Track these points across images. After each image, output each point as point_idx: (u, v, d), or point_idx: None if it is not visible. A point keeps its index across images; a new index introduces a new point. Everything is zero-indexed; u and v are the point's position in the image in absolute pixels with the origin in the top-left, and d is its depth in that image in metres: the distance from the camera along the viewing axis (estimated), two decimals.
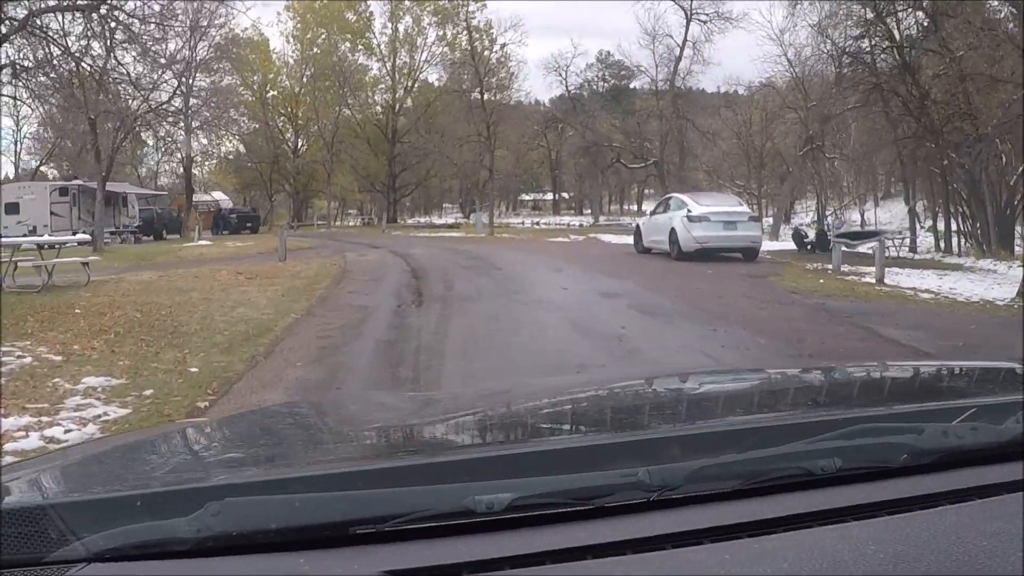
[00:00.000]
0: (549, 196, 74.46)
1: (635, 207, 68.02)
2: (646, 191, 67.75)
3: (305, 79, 56.81)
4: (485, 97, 41.92)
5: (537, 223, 55.85)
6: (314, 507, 0.93)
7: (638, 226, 21.44)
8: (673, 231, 18.12)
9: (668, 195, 21.77)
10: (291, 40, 57.14)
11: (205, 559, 0.89)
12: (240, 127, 52.46)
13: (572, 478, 0.99)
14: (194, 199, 68.79)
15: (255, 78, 56.47)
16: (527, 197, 76.48)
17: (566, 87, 55.93)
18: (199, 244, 30.45)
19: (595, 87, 61.60)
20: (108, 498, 1.03)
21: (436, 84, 58.83)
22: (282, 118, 59.12)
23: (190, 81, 36.38)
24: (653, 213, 20.53)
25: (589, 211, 69.26)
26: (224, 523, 0.90)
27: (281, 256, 18.99)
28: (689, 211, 18.22)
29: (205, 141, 44.37)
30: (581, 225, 51.09)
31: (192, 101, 38.19)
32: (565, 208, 71.06)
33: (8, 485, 1.05)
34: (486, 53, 43.24)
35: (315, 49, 56.48)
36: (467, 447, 1.42)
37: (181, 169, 52.50)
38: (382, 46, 58.75)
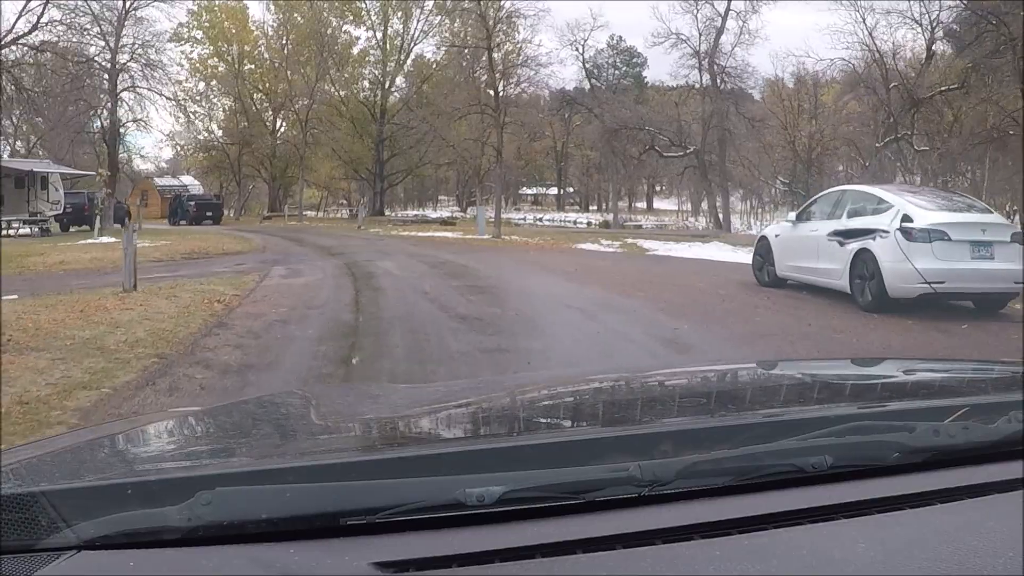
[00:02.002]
0: (552, 191, 71.18)
1: (643, 205, 65.60)
2: (657, 187, 66.08)
3: (286, 51, 52.54)
4: (495, 56, 31.35)
5: (540, 219, 52.63)
6: (305, 498, 0.95)
7: (764, 241, 13.50)
8: (867, 256, 10.38)
9: (840, 188, 14.01)
10: (271, 7, 52.90)
11: (195, 548, 0.90)
12: (182, 88, 48.16)
13: (563, 472, 1.00)
14: (157, 182, 58.35)
15: (231, 49, 53.01)
16: (529, 191, 72.84)
17: (583, 63, 46.22)
18: (94, 243, 23.99)
19: (606, 75, 56.67)
20: (99, 486, 1.04)
21: (432, 59, 54.11)
22: (259, 94, 54.84)
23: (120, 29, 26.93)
24: (801, 218, 12.65)
25: (595, 208, 66.55)
26: (215, 512, 0.92)
27: (127, 283, 11.19)
28: (906, 220, 10.14)
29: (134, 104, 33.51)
30: (591, 224, 48.45)
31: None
32: (569, 204, 68.29)
33: None
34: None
35: (297, 15, 52.10)
36: (458, 440, 1.42)
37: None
38: (372, 12, 54.09)
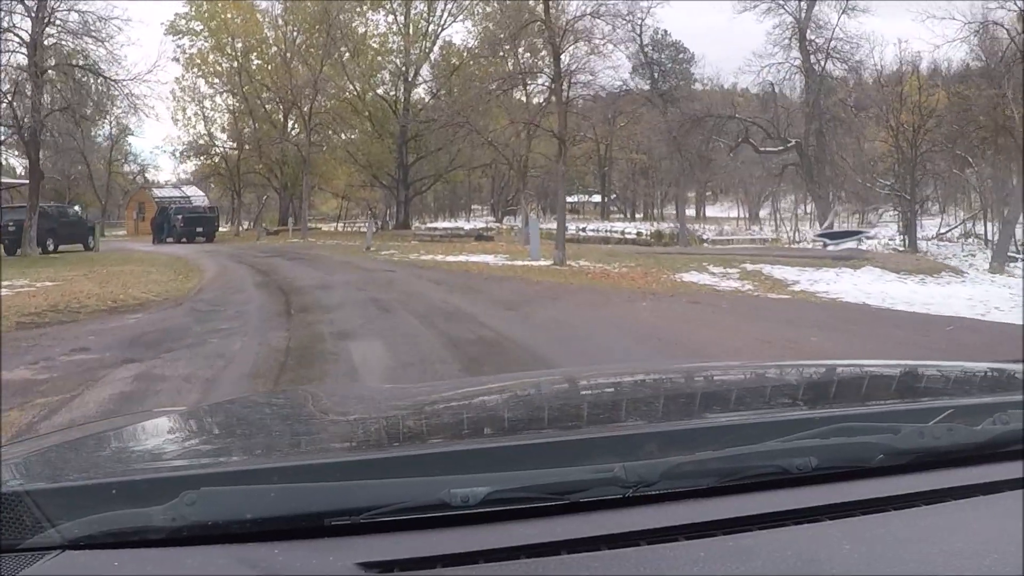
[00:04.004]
0: (594, 199, 66.32)
1: (691, 212, 58.42)
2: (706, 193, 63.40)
3: (295, 40, 45.63)
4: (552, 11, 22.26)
5: (583, 230, 46.85)
6: (290, 498, 0.97)
7: None
8: None
9: None
10: None
11: (180, 548, 0.93)
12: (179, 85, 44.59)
13: (548, 473, 1.03)
14: (155, 193, 54.85)
15: (236, 43, 46.73)
16: (568, 199, 58.17)
17: (640, 45, 37.73)
18: None
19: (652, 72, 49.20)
20: (83, 485, 1.07)
21: (463, 44, 47.29)
22: (267, 92, 47.28)
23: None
24: None
25: (640, 216, 62.92)
26: (199, 512, 0.94)
27: None
28: None
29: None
30: (643, 235, 43.79)
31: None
32: (612, 213, 64.40)
33: None
34: None
35: (307, 1, 44.95)
36: (443, 440, 1.45)
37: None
38: None
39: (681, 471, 1.04)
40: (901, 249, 31.46)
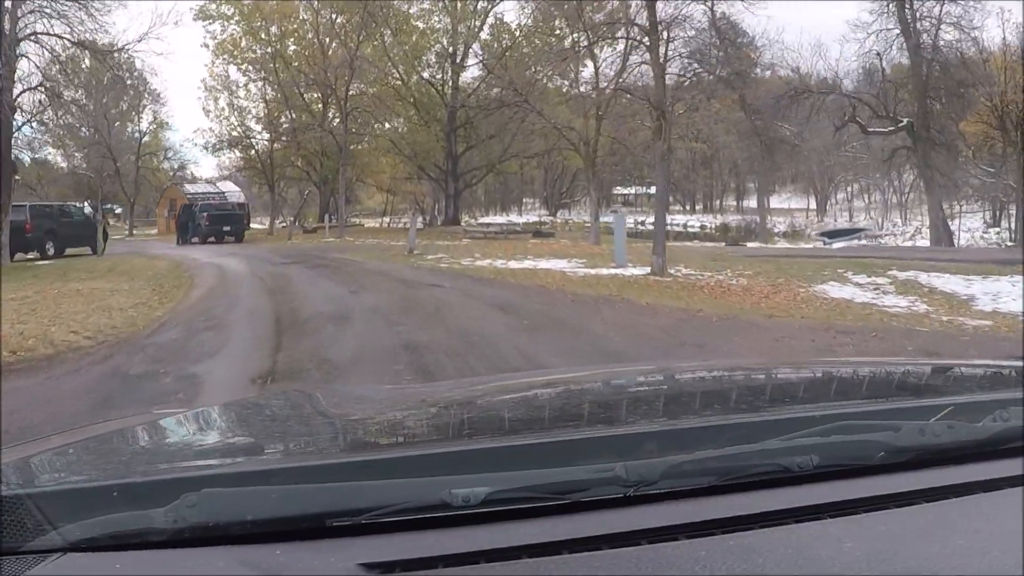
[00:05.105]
0: (650, 190, 59.22)
1: (750, 203, 55.00)
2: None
3: (336, 24, 40.48)
4: None
5: (642, 223, 42.61)
6: (291, 499, 0.97)
7: None
8: None
9: None
10: None
11: (181, 550, 0.93)
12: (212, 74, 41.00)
13: (549, 472, 1.03)
14: (187, 189, 49.37)
15: (270, 28, 41.96)
16: (623, 191, 62.20)
17: (712, 19, 32.95)
18: None
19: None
20: (85, 488, 1.07)
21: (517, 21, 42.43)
22: (303, 79, 41.98)
23: None
24: None
25: (699, 208, 59.10)
26: (201, 514, 0.94)
27: None
28: None
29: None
30: (706, 229, 43.41)
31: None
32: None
33: None
34: None
35: None
36: (444, 440, 1.44)
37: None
38: None
39: (682, 470, 1.05)
40: (1010, 244, 28.77)
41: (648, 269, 16.95)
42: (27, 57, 23.12)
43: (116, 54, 25.11)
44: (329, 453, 1.30)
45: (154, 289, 15.40)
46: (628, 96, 28.37)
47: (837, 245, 20.22)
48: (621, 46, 27.30)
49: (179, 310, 12.60)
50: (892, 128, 31.87)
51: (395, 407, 1.77)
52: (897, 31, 32.27)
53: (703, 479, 1.04)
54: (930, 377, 1.93)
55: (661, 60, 19.05)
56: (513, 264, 19.57)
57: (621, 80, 26.49)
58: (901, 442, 1.12)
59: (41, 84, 23.16)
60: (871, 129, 32.07)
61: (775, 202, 62.83)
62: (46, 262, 24.82)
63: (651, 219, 44.77)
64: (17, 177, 24.65)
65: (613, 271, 17.46)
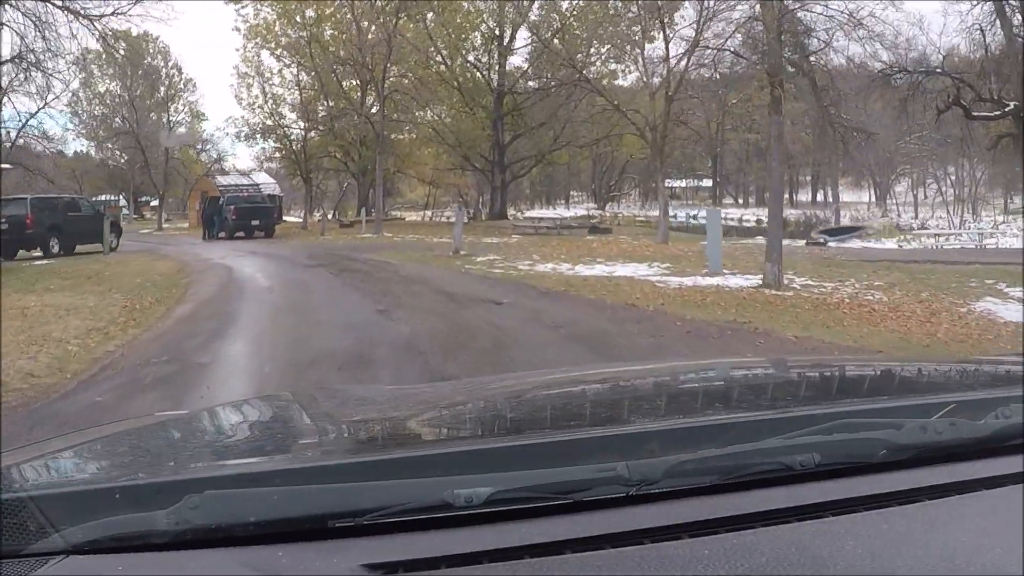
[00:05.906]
0: (704, 183, 58.80)
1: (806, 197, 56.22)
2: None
3: (376, 10, 37.24)
4: None
5: (693, 217, 40.45)
6: (293, 500, 0.98)
7: None
8: None
9: None
10: None
11: (183, 552, 0.94)
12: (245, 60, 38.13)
13: (551, 472, 1.04)
14: (219, 181, 45.92)
15: (305, 11, 38.99)
16: (674, 183, 57.96)
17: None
18: None
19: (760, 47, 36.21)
20: (87, 490, 1.08)
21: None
22: (340, 65, 39.81)
23: None
24: None
25: (752, 202, 55.56)
26: (203, 516, 0.95)
27: None
28: None
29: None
30: (762, 222, 30.82)
31: None
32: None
33: None
34: None
35: None
36: (446, 441, 1.45)
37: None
38: None
39: (684, 469, 1.05)
40: None
41: (752, 278, 14.26)
42: (7, 26, 20.73)
43: (105, 19, 22.34)
44: (331, 454, 1.29)
45: (126, 305, 11.96)
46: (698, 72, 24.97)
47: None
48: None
49: (141, 341, 9.04)
50: (999, 113, 28.37)
51: (397, 408, 1.77)
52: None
53: (705, 478, 1.04)
54: (931, 375, 1.91)
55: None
56: (582, 270, 16.63)
57: (693, 53, 23.33)
58: (903, 440, 1.12)
59: (19, 55, 20.51)
60: (977, 114, 28.67)
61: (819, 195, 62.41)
62: (46, 262, 22.22)
63: (703, 213, 41.31)
64: (7, 165, 22.21)
65: (711, 280, 14.47)
